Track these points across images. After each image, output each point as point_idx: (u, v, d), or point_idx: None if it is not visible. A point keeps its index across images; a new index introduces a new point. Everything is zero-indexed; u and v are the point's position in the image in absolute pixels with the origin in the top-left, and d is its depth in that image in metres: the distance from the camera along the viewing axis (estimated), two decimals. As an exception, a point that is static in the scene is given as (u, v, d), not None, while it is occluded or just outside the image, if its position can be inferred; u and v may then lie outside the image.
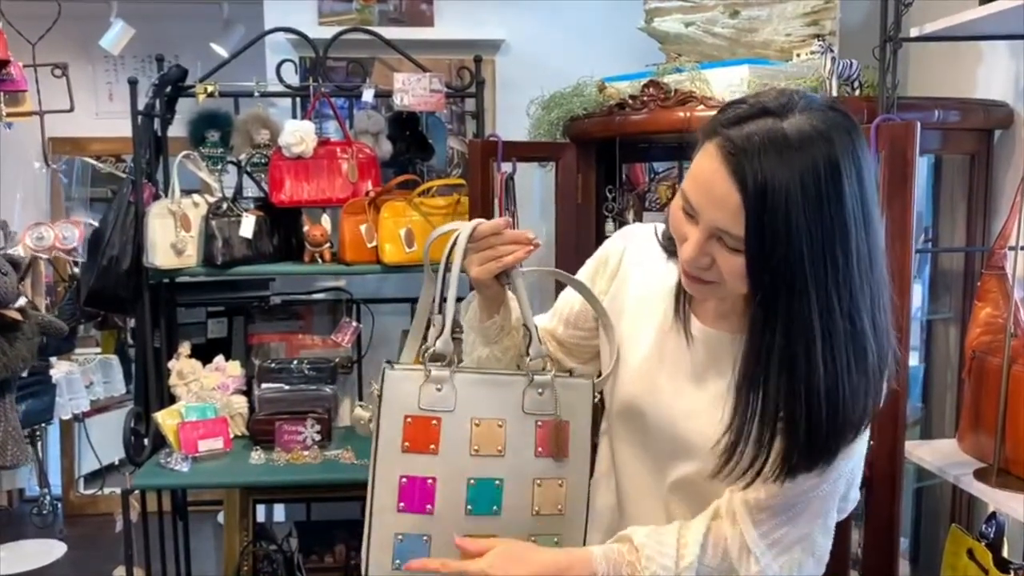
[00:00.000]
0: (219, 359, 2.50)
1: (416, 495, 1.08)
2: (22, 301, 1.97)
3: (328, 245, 2.39)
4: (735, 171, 0.91)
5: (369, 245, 2.35)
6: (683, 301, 1.13)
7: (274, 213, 2.41)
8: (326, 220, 2.42)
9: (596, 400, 1.16)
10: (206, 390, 2.45)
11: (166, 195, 2.39)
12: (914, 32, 1.77)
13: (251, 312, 2.64)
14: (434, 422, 1.08)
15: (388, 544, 1.08)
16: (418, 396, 1.08)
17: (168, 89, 2.45)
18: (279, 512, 2.91)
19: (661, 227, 1.19)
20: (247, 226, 2.33)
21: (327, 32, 2.52)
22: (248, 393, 2.50)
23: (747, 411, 0.99)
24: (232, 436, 2.39)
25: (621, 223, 2.32)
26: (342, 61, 2.58)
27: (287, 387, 2.44)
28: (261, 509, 2.76)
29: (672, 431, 1.13)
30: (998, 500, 1.62)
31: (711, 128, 0.96)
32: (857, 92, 1.97)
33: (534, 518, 1.12)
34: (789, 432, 0.97)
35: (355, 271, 2.38)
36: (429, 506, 1.08)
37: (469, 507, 1.09)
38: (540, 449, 1.12)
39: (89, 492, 4.61)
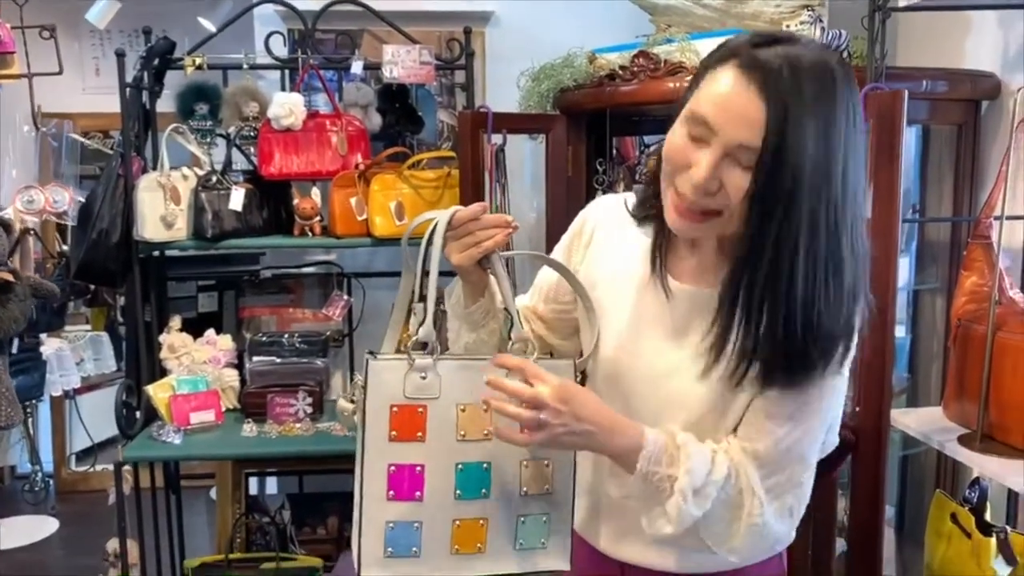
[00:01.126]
0: (210, 332, 2.50)
1: (405, 483, 1.09)
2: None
3: (318, 218, 2.39)
4: (762, 86, 0.97)
5: (359, 218, 2.35)
6: (660, 262, 1.16)
7: (263, 186, 2.41)
8: (316, 193, 2.42)
9: (578, 380, 1.17)
10: (197, 363, 2.45)
11: (155, 168, 2.38)
12: (902, 2, 1.78)
13: (241, 286, 2.64)
14: (420, 410, 1.10)
15: (380, 533, 1.10)
16: (403, 385, 1.09)
17: (156, 62, 2.43)
18: (271, 486, 2.92)
19: (631, 198, 1.24)
20: (237, 199, 2.33)
21: (316, 4, 2.50)
22: (239, 366, 2.51)
23: (731, 317, 1.04)
24: (224, 409, 2.40)
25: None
26: (331, 33, 2.57)
27: (278, 360, 2.45)
28: (253, 483, 2.77)
29: (656, 390, 1.16)
30: (981, 465, 1.65)
31: (726, 54, 1.02)
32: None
33: (523, 499, 1.14)
34: (770, 340, 1.02)
35: (345, 244, 2.38)
36: (418, 493, 1.10)
37: (458, 492, 1.11)
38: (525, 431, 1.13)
39: (81, 469, 4.62)
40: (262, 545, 2.59)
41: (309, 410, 2.37)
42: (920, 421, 1.86)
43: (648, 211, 1.19)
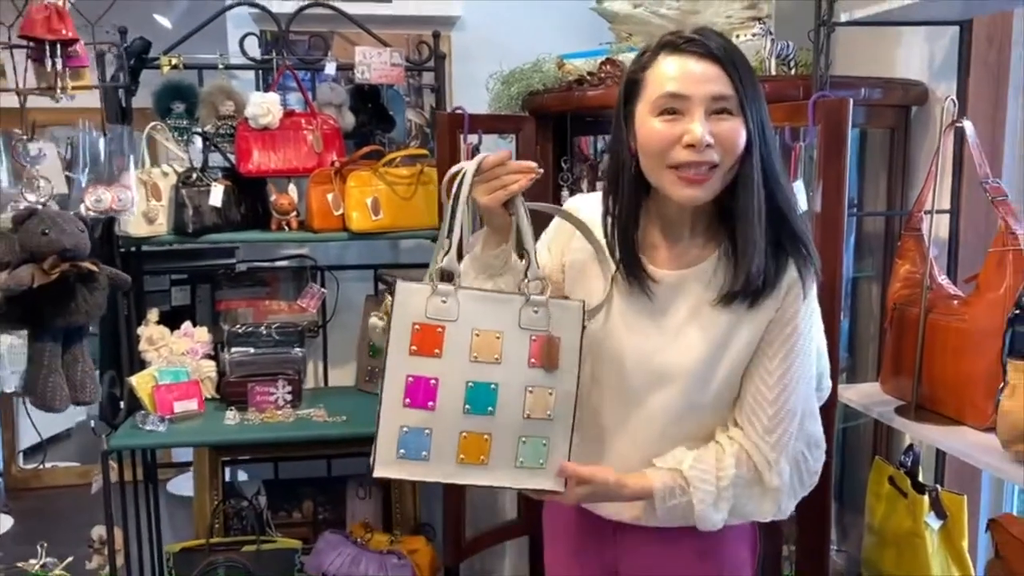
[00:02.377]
0: (187, 325, 2.57)
1: (420, 393, 1.22)
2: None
3: (295, 213, 2.48)
4: (708, 51, 1.21)
5: (336, 213, 2.44)
6: (634, 253, 1.31)
7: (241, 183, 2.48)
8: (293, 189, 2.51)
9: (586, 325, 1.29)
10: (176, 355, 2.52)
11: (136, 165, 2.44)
12: (844, 17, 1.96)
13: (217, 279, 2.71)
14: (439, 330, 1.23)
15: (394, 435, 1.22)
16: (425, 306, 1.23)
17: (132, 61, 2.48)
18: (242, 474, 3.00)
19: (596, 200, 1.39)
20: (216, 195, 2.40)
21: (288, 6, 2.59)
22: (215, 357, 2.59)
23: (754, 225, 1.24)
24: (204, 399, 2.48)
25: (575, 191, 2.49)
26: (303, 35, 2.65)
27: (257, 350, 2.53)
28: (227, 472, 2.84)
29: (647, 367, 1.32)
30: (918, 432, 1.84)
31: (655, 50, 1.26)
32: (793, 71, 2.17)
33: (525, 421, 1.26)
34: (776, 237, 1.27)
35: (323, 238, 2.47)
36: (431, 403, 1.22)
37: (467, 407, 1.23)
38: (533, 360, 1.25)
39: (31, 466, 4.58)
40: (239, 530, 2.67)
41: (289, 398, 2.46)
42: (861, 395, 2.05)
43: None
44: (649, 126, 1.24)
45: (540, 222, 1.36)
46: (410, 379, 1.22)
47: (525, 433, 1.26)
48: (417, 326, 1.22)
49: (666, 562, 1.39)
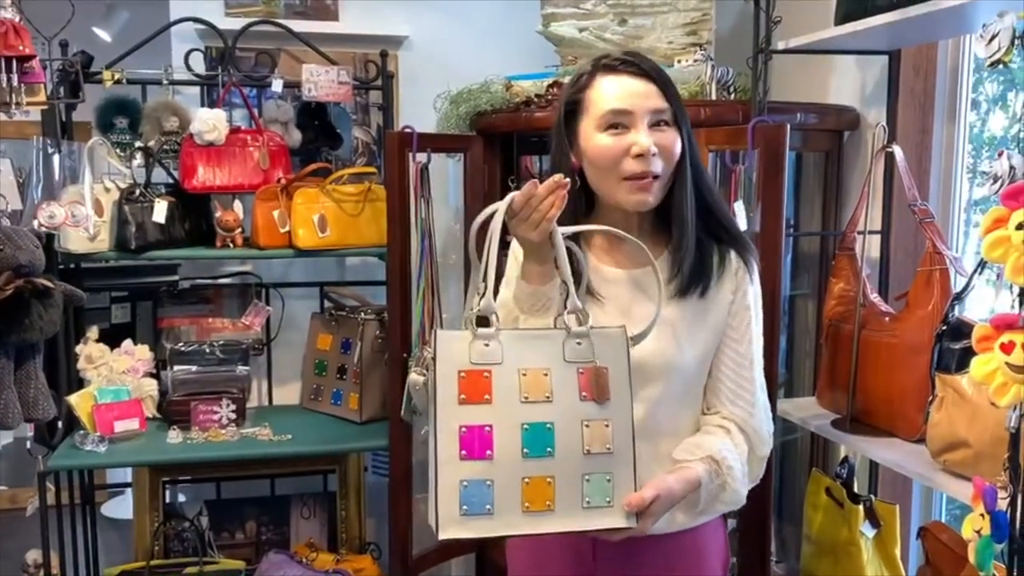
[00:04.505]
0: (127, 343, 2.53)
1: (476, 443, 1.18)
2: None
3: (240, 230, 2.46)
4: (641, 71, 1.34)
5: (282, 230, 2.43)
6: (580, 262, 1.36)
7: (185, 199, 2.45)
8: (238, 206, 2.49)
9: (631, 344, 1.28)
10: (116, 373, 2.47)
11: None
12: (781, 45, 2.04)
13: (159, 296, 2.67)
14: (485, 374, 1.20)
15: (454, 491, 1.17)
16: (468, 352, 1.20)
17: (73, 76, 2.44)
18: (181, 495, 2.94)
19: None
20: (160, 211, 2.37)
21: (233, 23, 2.59)
22: (157, 376, 2.55)
23: (688, 223, 1.36)
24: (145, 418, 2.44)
25: (521, 210, 2.52)
26: (249, 52, 2.65)
27: (200, 368, 2.51)
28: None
29: (646, 363, 1.35)
30: (852, 444, 1.91)
31: (590, 72, 1.37)
32: (732, 96, 2.25)
33: (586, 457, 1.22)
34: (712, 230, 1.40)
35: (269, 255, 2.46)
36: (489, 452, 1.18)
37: (525, 450, 1.20)
38: (584, 393, 1.23)
39: (-45, 488, 4.42)
40: (180, 552, 2.62)
41: (233, 416, 2.44)
42: (798, 409, 2.12)
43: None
44: (597, 141, 1.33)
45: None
46: (463, 429, 1.18)
47: (588, 471, 1.22)
48: (463, 373, 1.19)
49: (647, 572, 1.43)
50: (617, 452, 1.24)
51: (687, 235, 1.36)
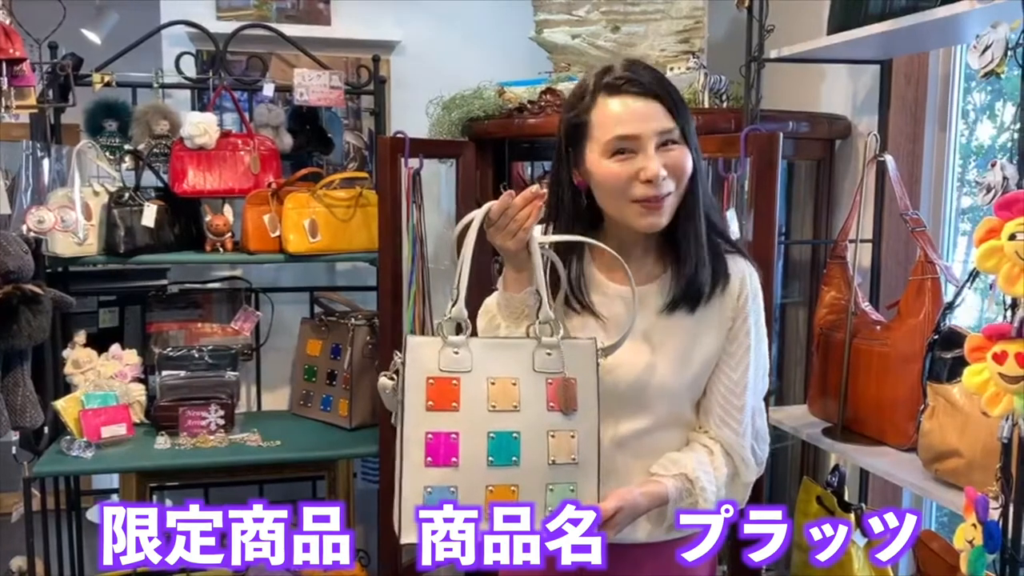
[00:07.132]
0: (115, 348, 2.50)
1: (441, 450, 1.18)
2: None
3: (230, 235, 2.44)
4: (644, 90, 1.28)
5: (272, 235, 2.41)
6: (583, 284, 1.36)
7: (175, 203, 2.44)
8: (228, 210, 2.48)
9: (600, 361, 1.28)
10: (103, 378, 2.45)
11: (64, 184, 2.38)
12: (773, 54, 2.05)
13: (148, 301, 2.65)
14: (454, 382, 1.20)
15: (418, 497, 1.17)
16: (438, 359, 1.20)
17: (63, 79, 2.42)
18: (171, 502, 2.92)
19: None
20: (149, 215, 2.35)
21: (225, 26, 2.57)
22: (145, 381, 2.53)
23: (700, 239, 1.34)
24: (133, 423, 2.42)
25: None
26: (240, 56, 2.63)
27: (189, 374, 2.48)
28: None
29: (626, 381, 1.35)
30: (843, 452, 1.91)
31: (592, 92, 1.31)
32: (725, 104, 2.25)
33: (550, 467, 1.22)
34: (714, 246, 1.38)
35: (259, 260, 2.44)
36: (454, 459, 1.18)
37: (490, 459, 1.20)
38: (551, 404, 1.23)
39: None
40: (167, 559, 2.59)
41: (221, 422, 2.41)
42: (789, 417, 2.13)
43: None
44: (605, 168, 1.29)
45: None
46: (429, 436, 1.18)
47: (552, 480, 1.22)
48: (431, 380, 1.20)
49: None
50: (582, 463, 1.24)
51: (694, 253, 1.34)
